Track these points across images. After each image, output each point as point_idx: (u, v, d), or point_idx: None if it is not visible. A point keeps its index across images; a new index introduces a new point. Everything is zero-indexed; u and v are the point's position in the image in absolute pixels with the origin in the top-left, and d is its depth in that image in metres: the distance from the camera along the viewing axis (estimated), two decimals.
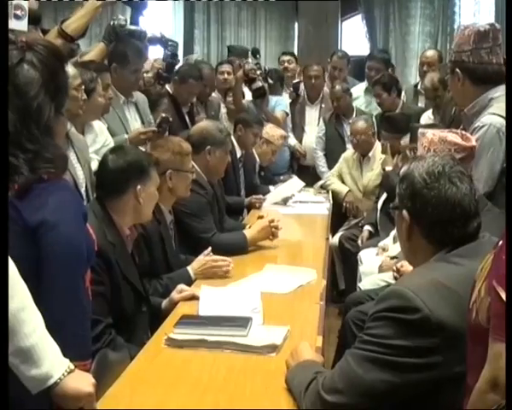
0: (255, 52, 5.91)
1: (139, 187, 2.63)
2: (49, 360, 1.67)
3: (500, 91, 2.76)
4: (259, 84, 5.45)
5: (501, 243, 1.39)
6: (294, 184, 5.36)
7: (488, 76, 2.81)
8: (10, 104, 1.78)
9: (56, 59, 1.90)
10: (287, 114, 6.06)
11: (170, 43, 4.38)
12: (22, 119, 1.79)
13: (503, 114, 2.68)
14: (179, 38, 8.92)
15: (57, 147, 1.86)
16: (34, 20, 2.74)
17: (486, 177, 2.74)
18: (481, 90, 2.85)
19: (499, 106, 2.72)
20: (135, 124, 4.13)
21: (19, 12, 2.51)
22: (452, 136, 2.66)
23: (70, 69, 2.98)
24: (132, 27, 3.87)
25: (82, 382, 1.72)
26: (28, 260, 1.78)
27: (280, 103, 6.00)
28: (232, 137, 4.86)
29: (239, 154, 5.00)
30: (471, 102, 2.89)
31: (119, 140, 3.75)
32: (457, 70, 2.87)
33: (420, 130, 2.86)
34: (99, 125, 3.53)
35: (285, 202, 5.00)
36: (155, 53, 4.86)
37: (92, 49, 3.90)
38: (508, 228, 1.37)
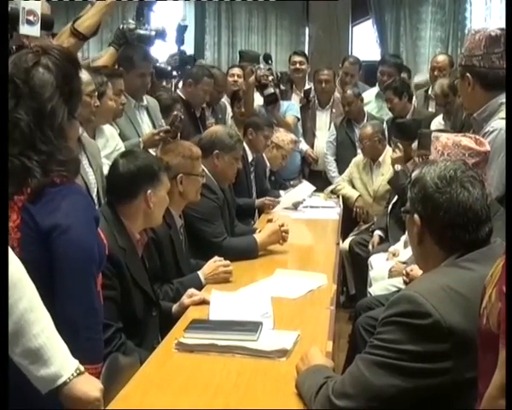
0: (267, 58, 5.92)
1: (149, 192, 2.63)
2: (59, 360, 1.68)
3: None
4: (271, 90, 5.46)
5: None
6: (305, 188, 5.36)
7: (499, 81, 2.79)
8: (25, 106, 1.81)
9: (71, 64, 1.93)
10: (298, 119, 6.06)
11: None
12: (36, 120, 1.81)
13: None
14: (190, 43, 8.95)
15: (70, 150, 1.88)
16: (47, 25, 2.74)
17: (497, 181, 2.73)
18: (491, 95, 2.84)
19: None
20: (146, 128, 4.14)
21: (31, 17, 2.52)
22: (466, 140, 2.65)
23: (84, 75, 3.00)
24: (142, 31, 3.88)
25: (90, 386, 1.72)
26: (41, 264, 1.80)
27: (291, 108, 6.00)
28: (244, 144, 4.88)
29: (250, 158, 5.01)
30: (480, 107, 2.88)
31: (133, 143, 3.76)
32: (468, 74, 2.86)
33: (433, 134, 2.85)
34: (110, 130, 3.54)
35: (296, 206, 5.00)
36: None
37: (103, 55, 3.91)
38: (508, 232, 1.35)
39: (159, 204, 2.70)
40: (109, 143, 3.45)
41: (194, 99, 5.07)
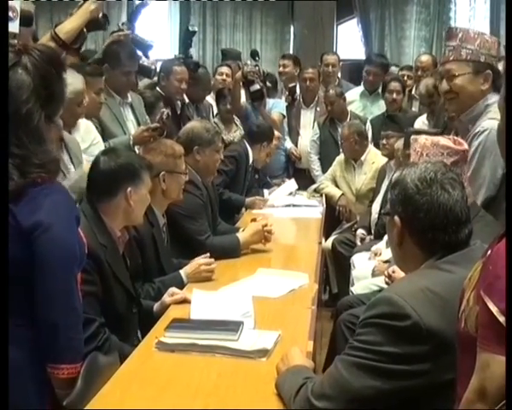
0: (254, 54, 5.90)
1: (130, 189, 2.61)
2: None
3: (494, 98, 2.77)
4: (257, 86, 5.44)
5: (489, 252, 1.38)
6: (290, 186, 5.41)
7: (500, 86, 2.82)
8: None
9: (52, 66, 1.86)
10: (283, 117, 6.05)
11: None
12: (11, 123, 1.76)
13: None
14: (175, 40, 8.92)
15: (47, 152, 1.83)
16: (26, 21, 2.71)
17: (488, 181, 2.75)
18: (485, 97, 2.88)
19: (497, 111, 2.73)
20: (131, 125, 4.12)
21: (10, 13, 2.49)
22: (444, 140, 2.66)
23: (78, 80, 2.99)
24: None
25: None
26: (22, 263, 1.78)
27: (276, 106, 6.00)
28: (247, 145, 4.97)
29: (251, 159, 5.05)
30: (471, 106, 2.91)
31: (123, 140, 3.74)
32: (489, 72, 2.87)
33: (412, 136, 2.86)
34: (86, 124, 3.51)
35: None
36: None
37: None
38: (508, 235, 1.35)
39: (139, 202, 2.68)
40: (85, 138, 3.43)
41: (171, 91, 4.98)
